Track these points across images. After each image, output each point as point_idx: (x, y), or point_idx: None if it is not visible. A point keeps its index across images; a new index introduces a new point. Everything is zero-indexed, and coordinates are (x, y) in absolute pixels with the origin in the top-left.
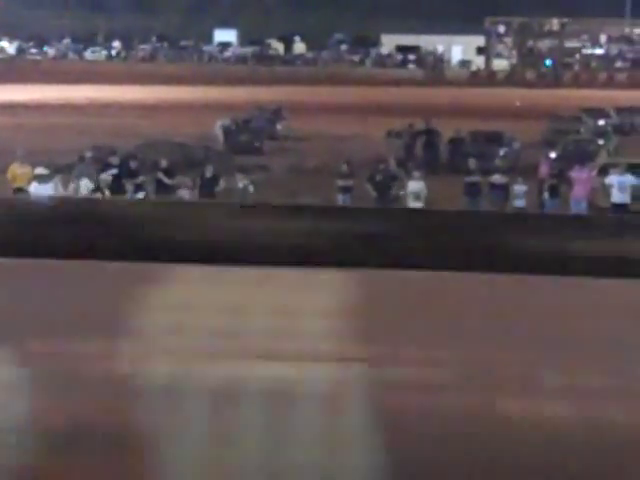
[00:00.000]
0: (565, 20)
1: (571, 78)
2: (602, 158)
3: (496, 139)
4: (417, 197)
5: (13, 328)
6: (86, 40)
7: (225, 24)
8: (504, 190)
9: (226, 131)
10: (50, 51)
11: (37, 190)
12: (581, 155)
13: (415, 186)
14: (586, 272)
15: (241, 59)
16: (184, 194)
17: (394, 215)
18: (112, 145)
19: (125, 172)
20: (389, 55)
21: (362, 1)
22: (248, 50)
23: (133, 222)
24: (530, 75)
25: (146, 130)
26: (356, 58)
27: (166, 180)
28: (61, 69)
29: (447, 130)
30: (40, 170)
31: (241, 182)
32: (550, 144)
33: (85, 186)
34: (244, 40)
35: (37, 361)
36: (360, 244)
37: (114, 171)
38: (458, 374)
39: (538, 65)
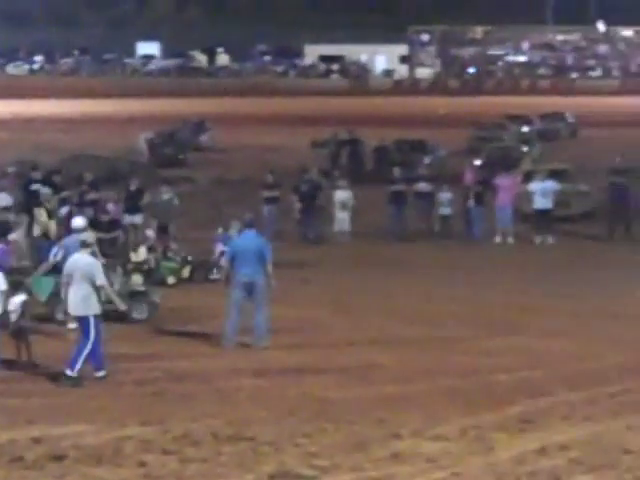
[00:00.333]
0: (488, 28)
1: (494, 85)
2: (526, 164)
3: (420, 147)
4: (344, 206)
5: None
6: (8, 54)
7: (148, 37)
8: (429, 198)
9: (150, 144)
10: None
11: None
12: (505, 162)
13: (342, 195)
14: None
15: (164, 71)
16: (110, 208)
17: None
18: (36, 160)
19: (49, 187)
20: (312, 65)
21: (284, 12)
22: (171, 62)
23: None
24: (453, 83)
25: (70, 144)
26: (279, 69)
27: (91, 195)
28: None
29: (372, 139)
30: None
31: (166, 194)
32: (474, 151)
33: (4, 200)
34: (167, 52)
35: None
36: None
37: (37, 186)
38: None
39: (461, 73)
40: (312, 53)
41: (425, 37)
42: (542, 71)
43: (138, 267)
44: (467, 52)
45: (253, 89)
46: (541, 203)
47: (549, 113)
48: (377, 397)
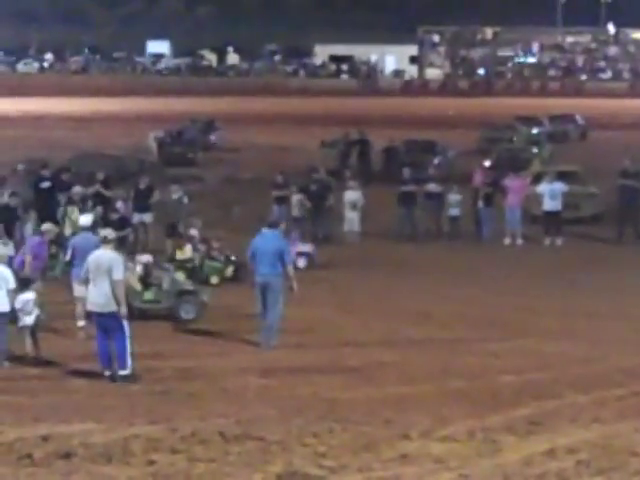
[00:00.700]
0: (498, 29)
1: (504, 87)
2: (536, 166)
3: (430, 148)
4: (354, 207)
5: None
6: (18, 52)
7: (158, 35)
8: (439, 199)
9: (160, 143)
10: None
11: None
12: (515, 163)
13: (352, 196)
14: None
15: (174, 70)
16: (118, 206)
17: None
18: (45, 157)
19: (58, 185)
20: (322, 65)
21: (295, 12)
22: (181, 61)
23: None
24: (463, 84)
25: (79, 142)
26: (289, 68)
27: (105, 192)
28: None
29: (381, 139)
30: None
31: (175, 194)
32: (484, 153)
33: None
34: (177, 51)
35: None
36: None
37: (47, 184)
38: None
39: (471, 74)
40: (322, 53)
41: (435, 38)
42: (552, 73)
43: (182, 265)
44: (477, 53)
45: (263, 88)
46: (550, 205)
47: (559, 115)
48: (385, 398)
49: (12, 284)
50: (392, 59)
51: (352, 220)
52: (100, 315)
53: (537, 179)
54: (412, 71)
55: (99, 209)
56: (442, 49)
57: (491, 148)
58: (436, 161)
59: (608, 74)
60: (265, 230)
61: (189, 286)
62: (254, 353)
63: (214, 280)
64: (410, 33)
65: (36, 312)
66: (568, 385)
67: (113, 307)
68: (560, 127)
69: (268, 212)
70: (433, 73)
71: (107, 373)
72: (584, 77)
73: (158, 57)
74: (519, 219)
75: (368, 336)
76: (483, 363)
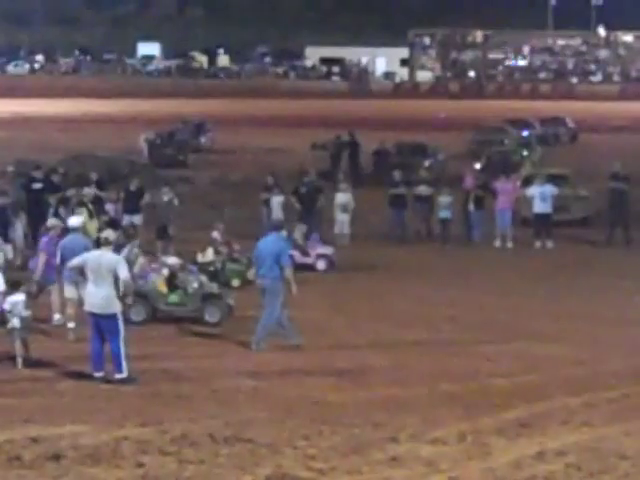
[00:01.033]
0: (488, 32)
1: (495, 89)
2: (526, 169)
3: (421, 150)
4: (344, 209)
5: None
6: (8, 53)
7: (148, 37)
8: (429, 201)
9: (150, 144)
10: None
11: None
12: (505, 166)
13: (342, 198)
14: None
15: (165, 72)
16: (108, 208)
17: None
18: (36, 159)
19: (49, 186)
20: (313, 67)
21: (285, 14)
22: (172, 63)
23: None
24: (454, 86)
25: (70, 144)
26: (280, 71)
27: (99, 193)
28: None
29: (372, 142)
30: None
31: (166, 195)
32: (474, 155)
33: None
34: (168, 53)
35: None
36: None
37: (39, 185)
38: None
39: (462, 76)
40: (313, 55)
41: (426, 40)
42: (542, 75)
43: (204, 268)
44: (468, 56)
45: (253, 90)
46: (540, 207)
47: (549, 117)
48: (375, 400)
49: (2, 286)
50: (383, 61)
51: (342, 222)
52: (99, 316)
53: (527, 182)
54: (403, 73)
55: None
56: (433, 52)
57: (482, 151)
58: (426, 163)
59: (598, 77)
60: (269, 232)
61: (215, 289)
62: (245, 355)
63: (235, 283)
64: (401, 35)
65: (24, 314)
66: (558, 388)
67: (113, 309)
68: (550, 130)
69: (258, 214)
70: (424, 75)
71: (98, 375)
72: (574, 80)
73: (149, 59)
74: (509, 222)
75: (358, 338)
76: (473, 365)
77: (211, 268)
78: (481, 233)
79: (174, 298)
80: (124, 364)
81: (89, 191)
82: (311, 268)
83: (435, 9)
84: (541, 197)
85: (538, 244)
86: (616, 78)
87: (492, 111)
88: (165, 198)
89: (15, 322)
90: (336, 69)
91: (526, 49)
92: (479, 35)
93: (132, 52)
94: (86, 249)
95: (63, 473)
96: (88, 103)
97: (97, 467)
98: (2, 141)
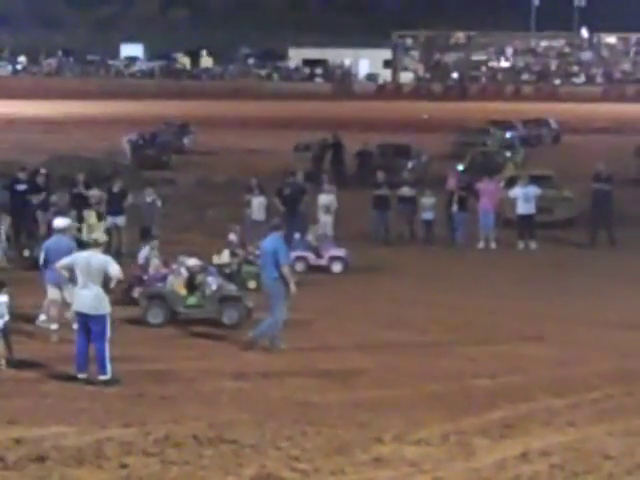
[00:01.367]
0: (471, 33)
1: (478, 91)
2: (509, 170)
3: (404, 152)
4: (327, 210)
5: None
6: None
7: (131, 38)
8: (412, 203)
9: (133, 146)
10: None
11: None
12: (488, 167)
13: (325, 199)
14: None
15: (148, 73)
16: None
17: None
18: (18, 160)
19: (33, 188)
20: (296, 69)
21: (269, 15)
22: (155, 64)
23: None
24: (437, 88)
25: (53, 145)
26: (263, 72)
27: (85, 192)
28: None
29: (355, 143)
30: None
31: (149, 197)
32: (458, 156)
33: None
34: (151, 54)
35: None
36: None
37: (23, 187)
38: None
39: (445, 78)
40: (296, 56)
41: (409, 42)
42: (526, 77)
43: (220, 270)
44: (451, 57)
45: (236, 92)
46: (524, 208)
47: (532, 119)
48: (359, 401)
49: None
50: (366, 63)
51: (325, 224)
52: (87, 317)
53: (511, 183)
54: (386, 75)
55: (74, 212)
56: (416, 53)
57: (465, 152)
58: (410, 165)
59: (581, 78)
60: (269, 233)
61: (234, 291)
62: (229, 356)
63: (252, 285)
64: (384, 37)
65: (6, 316)
66: (542, 388)
67: (104, 310)
68: (534, 131)
69: (241, 215)
70: (407, 77)
71: (81, 376)
72: (557, 81)
73: (132, 60)
74: (493, 223)
75: (342, 340)
76: (457, 366)
77: (227, 270)
78: (464, 234)
79: (192, 300)
80: (108, 365)
81: (96, 193)
82: (325, 270)
83: (418, 11)
84: (524, 198)
85: (521, 245)
86: (599, 80)
87: (475, 112)
88: (148, 199)
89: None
90: (319, 70)
91: (509, 50)
92: (462, 37)
93: (115, 53)
94: (70, 250)
95: (47, 474)
96: (71, 104)
97: (81, 468)
98: None
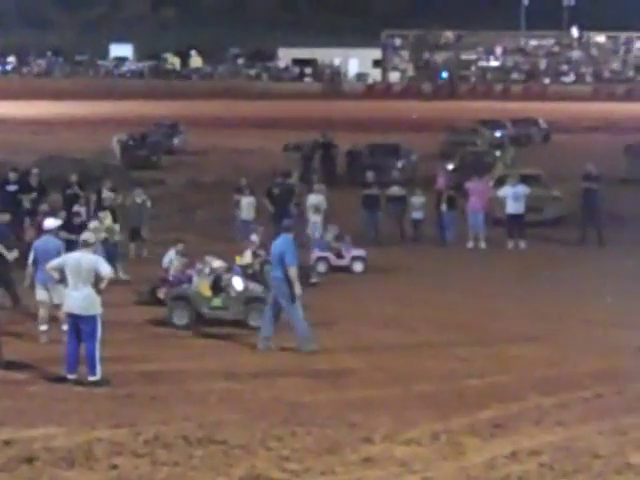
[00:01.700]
0: (461, 33)
1: (467, 90)
2: (499, 169)
3: (393, 151)
4: (317, 210)
5: None
6: None
7: (121, 38)
8: (402, 202)
9: (123, 146)
10: None
11: None
12: (478, 167)
13: (315, 199)
14: None
15: (137, 73)
16: (79, 210)
17: None
18: (8, 161)
19: (24, 188)
20: (286, 68)
21: (258, 15)
22: (144, 65)
23: None
24: (426, 87)
25: (42, 146)
26: (253, 72)
27: (81, 194)
28: None
29: (344, 143)
30: None
31: (138, 197)
32: (447, 156)
33: None
34: (140, 54)
35: None
36: None
37: (14, 187)
38: None
39: (434, 77)
40: (285, 56)
41: (398, 41)
42: (515, 76)
43: (243, 271)
44: (440, 57)
45: (226, 92)
46: (513, 208)
47: (522, 118)
48: (349, 401)
49: None
50: (355, 62)
51: (315, 224)
52: (78, 318)
53: (500, 182)
54: (376, 75)
55: (62, 213)
56: (405, 53)
57: (454, 151)
58: (399, 164)
59: (571, 77)
60: (281, 234)
61: (259, 293)
62: (218, 357)
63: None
64: (373, 37)
65: None
66: (532, 388)
67: (94, 310)
68: (523, 130)
69: (231, 216)
70: (396, 76)
71: (71, 377)
72: (547, 80)
73: (121, 60)
74: (482, 222)
75: (332, 339)
76: (447, 366)
77: (249, 270)
78: (454, 234)
79: (217, 302)
80: (98, 366)
81: (109, 194)
82: (346, 270)
83: (408, 10)
84: (514, 197)
85: (511, 245)
86: (588, 79)
87: (464, 112)
88: (138, 200)
89: None
90: (309, 70)
91: (498, 50)
92: (451, 36)
93: (104, 54)
94: (59, 251)
95: (36, 476)
96: (60, 105)
97: (71, 470)
98: None
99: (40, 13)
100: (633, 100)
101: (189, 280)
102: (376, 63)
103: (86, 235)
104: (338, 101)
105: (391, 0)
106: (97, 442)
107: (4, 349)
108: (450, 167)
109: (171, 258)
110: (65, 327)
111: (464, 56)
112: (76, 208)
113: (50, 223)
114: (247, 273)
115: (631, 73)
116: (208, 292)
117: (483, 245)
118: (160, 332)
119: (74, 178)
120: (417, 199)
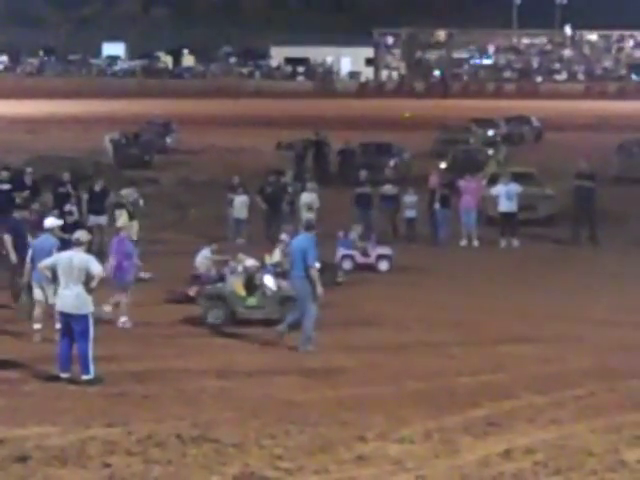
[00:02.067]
0: (453, 31)
1: (460, 88)
2: (491, 168)
3: (386, 150)
4: (309, 208)
5: None
6: None
7: (113, 37)
8: (395, 201)
9: (115, 145)
10: None
11: None
12: (471, 165)
13: (307, 197)
14: None
15: (130, 72)
16: (71, 209)
17: None
18: (1, 160)
19: (17, 187)
20: (278, 67)
21: (251, 13)
22: (137, 63)
23: None
24: (419, 86)
25: (35, 145)
26: (245, 70)
27: (74, 192)
28: None
29: (337, 141)
30: None
31: (131, 196)
32: (440, 154)
33: None
34: (133, 53)
35: None
36: None
37: (7, 186)
38: None
39: (427, 76)
40: (278, 55)
41: (390, 40)
42: (507, 74)
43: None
44: (432, 55)
45: (218, 90)
46: (506, 206)
47: (514, 116)
48: (342, 399)
49: None
50: (348, 61)
51: None
52: (70, 317)
53: (493, 180)
54: (368, 73)
55: (55, 212)
56: (397, 51)
57: (447, 150)
58: (392, 163)
59: (563, 76)
60: (301, 231)
61: (291, 292)
62: (211, 355)
63: None
64: (366, 35)
65: None
66: (525, 386)
67: (86, 309)
68: (515, 129)
69: (224, 214)
70: (388, 74)
71: (64, 376)
72: (539, 79)
73: (113, 59)
74: (475, 220)
75: (326, 338)
76: (441, 364)
77: (279, 269)
78: (447, 232)
79: (252, 301)
80: (91, 365)
81: (128, 192)
82: (372, 268)
83: (400, 8)
84: (506, 196)
85: (504, 243)
86: (581, 77)
87: (457, 110)
88: (130, 199)
89: None
90: (301, 69)
91: (491, 48)
92: (443, 34)
93: (97, 52)
94: (52, 249)
95: (30, 474)
96: (53, 104)
97: (64, 468)
98: None
99: (32, 12)
100: (625, 98)
101: (221, 279)
102: (368, 61)
103: (78, 234)
104: (331, 99)
105: None
106: (90, 441)
107: None
108: (443, 165)
109: (205, 256)
110: (58, 326)
111: (456, 54)
112: (68, 207)
113: (50, 222)
114: (277, 272)
115: (623, 71)
116: (243, 291)
117: (476, 243)
118: (151, 331)
119: (66, 177)
120: (410, 197)
